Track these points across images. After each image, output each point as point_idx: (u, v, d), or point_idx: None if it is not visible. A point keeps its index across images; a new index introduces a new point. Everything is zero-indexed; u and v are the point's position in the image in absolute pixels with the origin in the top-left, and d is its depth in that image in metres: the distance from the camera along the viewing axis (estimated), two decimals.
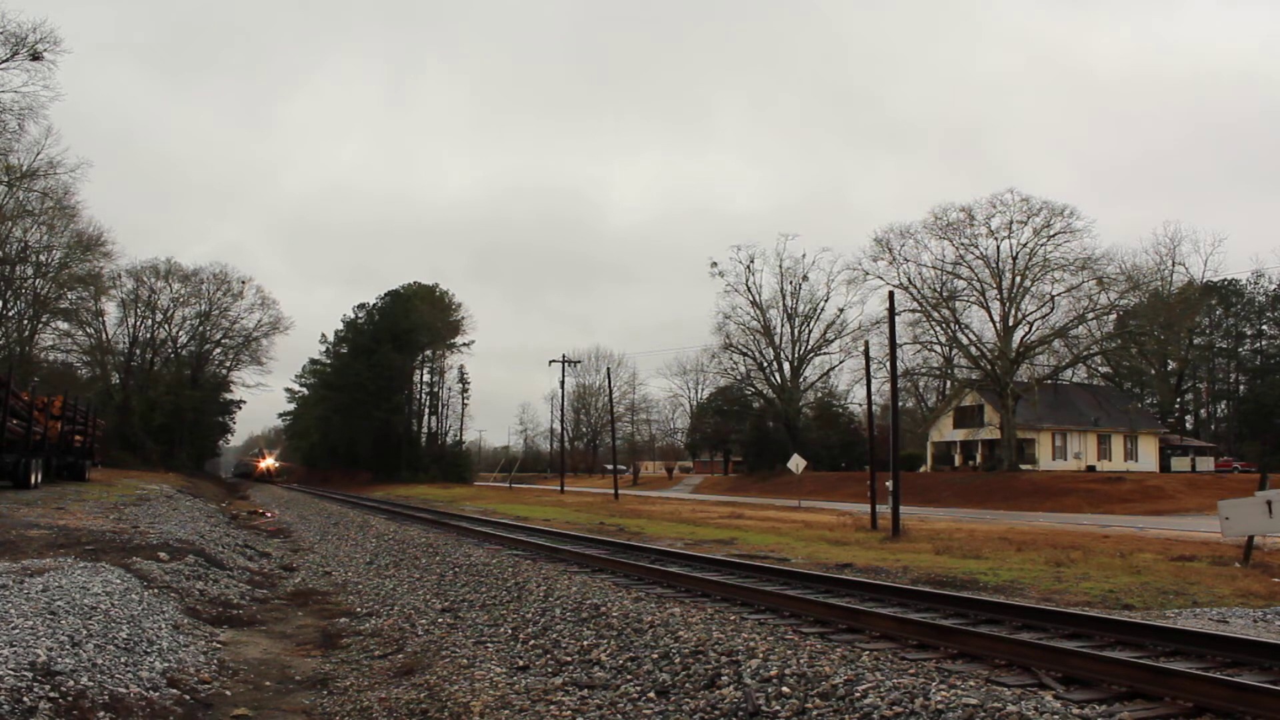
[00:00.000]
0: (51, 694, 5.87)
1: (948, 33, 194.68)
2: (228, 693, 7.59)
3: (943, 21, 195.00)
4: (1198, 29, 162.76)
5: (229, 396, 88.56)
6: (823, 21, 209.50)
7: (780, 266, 75.39)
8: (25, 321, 59.87)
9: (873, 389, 40.73)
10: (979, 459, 65.40)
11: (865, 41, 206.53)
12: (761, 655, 7.36)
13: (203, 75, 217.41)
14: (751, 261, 75.01)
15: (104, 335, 74.20)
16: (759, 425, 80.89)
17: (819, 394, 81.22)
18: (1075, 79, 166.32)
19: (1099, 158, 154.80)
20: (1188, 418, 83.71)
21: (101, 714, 5.95)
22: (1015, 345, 59.53)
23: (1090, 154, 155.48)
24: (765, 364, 77.29)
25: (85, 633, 7.40)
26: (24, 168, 49.48)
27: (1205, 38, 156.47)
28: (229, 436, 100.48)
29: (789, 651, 7.49)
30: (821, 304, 75.50)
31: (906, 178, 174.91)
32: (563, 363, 66.36)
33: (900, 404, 52.43)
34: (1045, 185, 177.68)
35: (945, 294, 61.51)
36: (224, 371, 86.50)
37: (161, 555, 13.25)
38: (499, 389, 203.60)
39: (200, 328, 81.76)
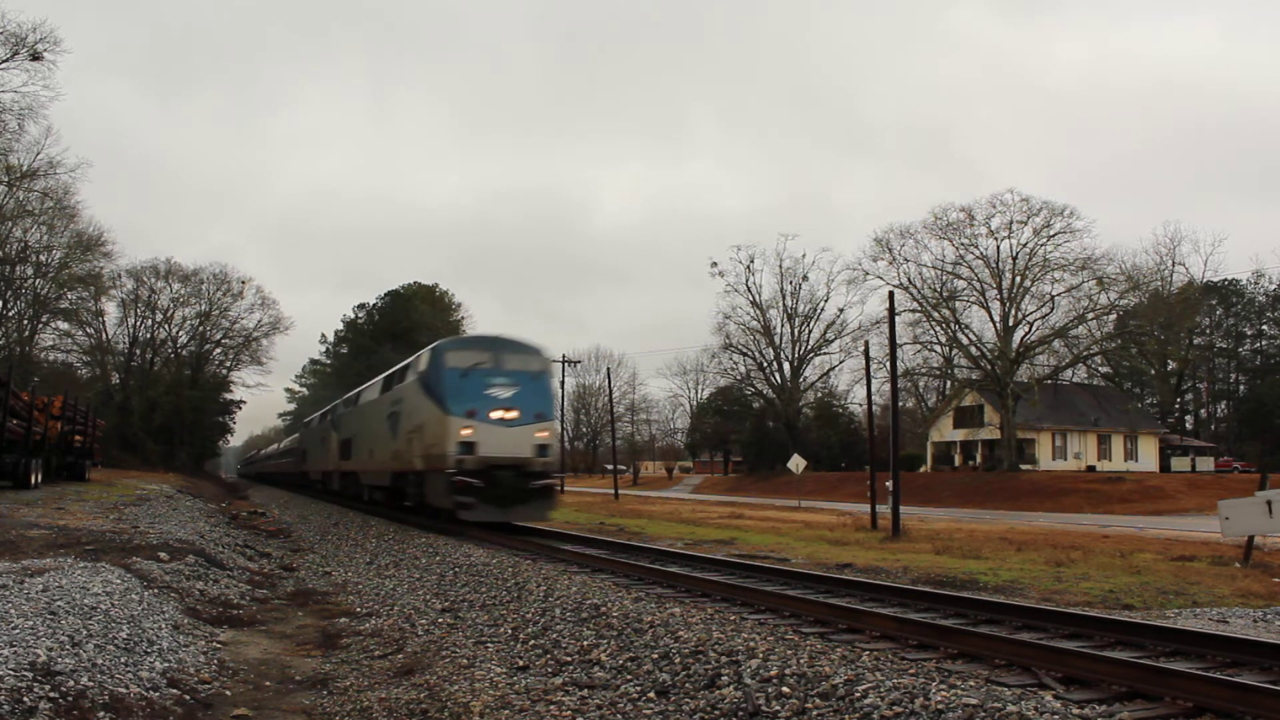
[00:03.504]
0: (51, 694, 5.86)
1: (915, 41, 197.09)
2: (228, 693, 7.58)
3: (910, 31, 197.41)
4: (1148, 40, 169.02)
5: (229, 396, 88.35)
6: (794, 29, 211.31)
7: (780, 266, 75.61)
8: (25, 321, 59.85)
9: (873, 389, 40.84)
10: (979, 459, 65.40)
11: (835, 50, 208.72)
12: (761, 655, 7.36)
13: (195, 89, 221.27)
14: (751, 261, 75.23)
15: (104, 335, 74.21)
16: (759, 425, 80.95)
17: (819, 394, 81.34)
18: (1036, 88, 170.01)
19: (1068, 162, 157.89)
20: (1188, 418, 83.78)
21: (101, 714, 5.94)
22: (1015, 345, 59.57)
23: (1058, 159, 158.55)
24: (765, 364, 77.40)
25: (85, 633, 7.40)
26: (24, 168, 49.48)
27: (1158, 48, 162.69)
28: (229, 436, 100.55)
29: (789, 651, 7.48)
30: (821, 304, 75.75)
31: (882, 180, 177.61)
32: (562, 363, 66.33)
33: (900, 404, 52.44)
34: (1020, 188, 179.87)
35: (945, 294, 61.65)
36: (224, 371, 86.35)
37: (161, 555, 13.24)
38: None
39: (200, 328, 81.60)
